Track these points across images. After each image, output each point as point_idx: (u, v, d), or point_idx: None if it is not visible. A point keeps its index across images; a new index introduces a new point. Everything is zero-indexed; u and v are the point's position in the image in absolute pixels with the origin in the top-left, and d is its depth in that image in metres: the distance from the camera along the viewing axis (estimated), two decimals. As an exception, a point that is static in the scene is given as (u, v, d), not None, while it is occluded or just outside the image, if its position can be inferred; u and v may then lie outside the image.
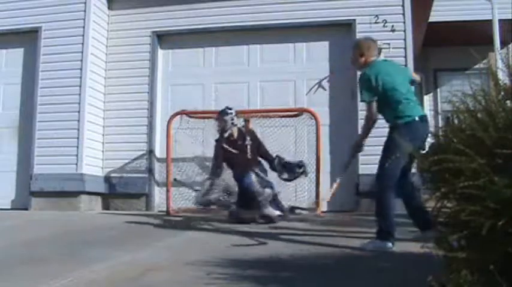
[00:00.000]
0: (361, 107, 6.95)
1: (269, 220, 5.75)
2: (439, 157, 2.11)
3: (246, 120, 7.01)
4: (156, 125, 7.54)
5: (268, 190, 5.86)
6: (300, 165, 6.05)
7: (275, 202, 5.97)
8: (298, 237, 4.80)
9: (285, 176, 6.05)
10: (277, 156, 6.17)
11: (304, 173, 6.06)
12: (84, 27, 7.32)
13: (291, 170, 6.03)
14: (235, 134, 6.14)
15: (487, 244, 1.94)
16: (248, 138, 6.20)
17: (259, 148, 6.26)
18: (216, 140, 6.16)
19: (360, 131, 6.82)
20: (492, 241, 1.91)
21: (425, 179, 2.38)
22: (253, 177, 5.85)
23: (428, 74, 10.40)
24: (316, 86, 7.31)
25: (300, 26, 7.34)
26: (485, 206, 1.90)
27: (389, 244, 3.96)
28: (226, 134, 6.08)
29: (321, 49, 7.39)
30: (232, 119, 6.09)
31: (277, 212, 5.84)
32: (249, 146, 6.12)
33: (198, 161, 6.70)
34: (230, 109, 6.11)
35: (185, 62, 7.77)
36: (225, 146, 6.05)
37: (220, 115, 6.12)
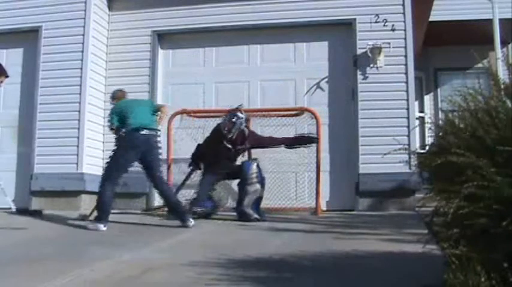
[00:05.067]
0: (361, 106, 6.99)
1: (245, 219, 5.88)
2: (440, 155, 2.10)
3: (247, 120, 7.00)
4: (156, 124, 7.53)
5: (258, 186, 6.01)
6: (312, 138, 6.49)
7: (257, 203, 6.05)
8: (298, 237, 4.81)
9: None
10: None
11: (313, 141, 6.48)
12: (84, 26, 7.31)
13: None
14: (235, 136, 6.20)
15: (489, 244, 1.93)
16: (246, 142, 6.32)
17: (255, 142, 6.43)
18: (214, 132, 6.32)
19: (358, 130, 6.89)
20: (494, 241, 1.90)
21: (426, 178, 2.37)
22: (254, 165, 6.06)
23: (428, 73, 10.39)
24: (315, 87, 7.31)
25: (300, 25, 7.34)
26: (488, 206, 1.89)
27: (101, 226, 5.28)
28: (230, 135, 6.14)
29: (321, 48, 7.38)
30: (241, 124, 6.15)
31: (255, 216, 5.94)
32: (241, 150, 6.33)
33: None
34: (242, 114, 6.16)
35: (185, 62, 7.76)
36: (226, 144, 6.16)
37: (230, 117, 6.16)
